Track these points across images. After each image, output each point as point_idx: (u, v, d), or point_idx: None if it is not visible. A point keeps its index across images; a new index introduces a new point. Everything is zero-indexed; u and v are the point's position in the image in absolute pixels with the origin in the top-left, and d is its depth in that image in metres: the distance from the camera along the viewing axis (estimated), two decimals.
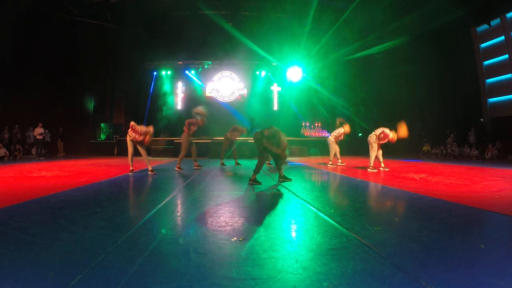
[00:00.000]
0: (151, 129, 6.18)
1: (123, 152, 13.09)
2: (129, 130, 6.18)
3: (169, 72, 16.95)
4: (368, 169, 6.63)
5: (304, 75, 17.50)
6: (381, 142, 6.81)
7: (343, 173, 6.25)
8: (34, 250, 1.78)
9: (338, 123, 8.21)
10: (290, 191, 4.00)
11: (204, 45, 15.73)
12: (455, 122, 13.90)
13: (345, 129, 7.96)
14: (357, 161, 9.58)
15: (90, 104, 14.96)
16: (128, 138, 6.20)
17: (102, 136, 15.11)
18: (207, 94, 17.43)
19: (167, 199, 3.43)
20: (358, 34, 15.15)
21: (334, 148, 8.02)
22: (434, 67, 14.08)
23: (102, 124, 15.20)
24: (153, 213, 2.71)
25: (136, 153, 6.34)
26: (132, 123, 6.15)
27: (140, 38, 14.89)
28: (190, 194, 3.85)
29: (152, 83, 16.90)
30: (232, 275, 1.47)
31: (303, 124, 16.29)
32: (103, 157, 11.71)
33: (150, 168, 6.25)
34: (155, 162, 9.46)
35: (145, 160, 6.31)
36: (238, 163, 8.20)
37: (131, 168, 6.26)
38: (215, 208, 2.94)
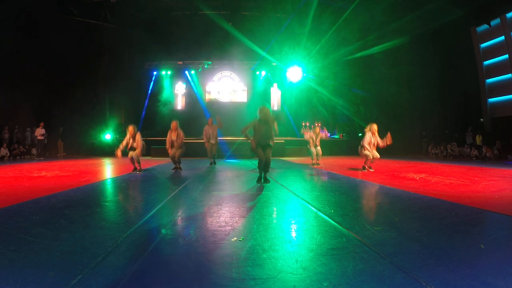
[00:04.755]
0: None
1: (123, 153, 13.09)
2: (131, 137, 6.25)
3: (169, 72, 16.95)
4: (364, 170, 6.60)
5: (304, 75, 17.51)
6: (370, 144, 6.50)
7: (343, 174, 6.25)
8: (34, 250, 1.77)
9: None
10: (290, 191, 4.01)
11: (204, 45, 15.72)
12: (455, 122, 13.91)
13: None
14: (356, 161, 9.58)
15: (90, 104, 14.94)
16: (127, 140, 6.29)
17: (102, 136, 15.09)
18: (207, 94, 17.44)
19: (167, 199, 3.43)
20: (358, 34, 15.14)
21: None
22: (434, 67, 14.09)
23: (102, 124, 15.18)
24: (153, 213, 2.71)
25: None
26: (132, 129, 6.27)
27: (140, 38, 14.88)
28: (190, 194, 3.85)
29: (152, 83, 16.91)
30: (232, 275, 1.47)
31: (303, 124, 16.29)
32: (103, 157, 11.71)
33: (138, 168, 6.36)
34: (155, 162, 9.46)
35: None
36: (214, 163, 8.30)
37: (134, 167, 6.36)
38: (215, 208, 2.94)
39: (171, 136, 6.70)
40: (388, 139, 6.41)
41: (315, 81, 17.19)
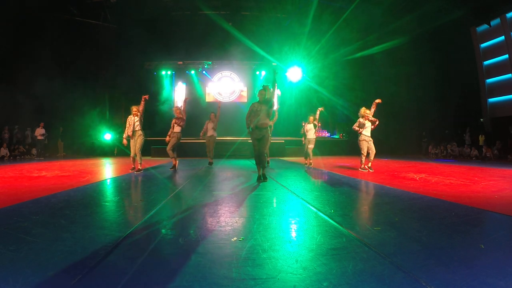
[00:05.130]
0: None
1: (123, 152, 13.08)
2: (133, 117, 6.32)
3: (169, 72, 16.95)
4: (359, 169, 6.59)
5: (304, 75, 17.48)
6: (362, 129, 6.47)
7: (343, 173, 6.25)
8: (34, 250, 1.78)
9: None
10: (290, 191, 4.00)
11: (204, 45, 15.73)
12: (455, 122, 13.90)
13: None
14: (356, 161, 9.61)
15: (90, 104, 14.95)
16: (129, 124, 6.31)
17: (102, 136, 15.09)
18: (207, 94, 17.43)
19: (167, 199, 3.43)
20: (358, 34, 15.15)
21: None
22: (434, 67, 14.09)
23: (102, 124, 15.17)
24: (153, 213, 2.71)
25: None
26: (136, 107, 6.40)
27: (140, 38, 14.87)
28: (190, 194, 3.85)
29: (152, 83, 16.91)
30: (232, 275, 1.47)
31: (303, 124, 16.31)
32: (103, 157, 11.71)
33: (139, 167, 6.34)
34: (156, 162, 9.47)
35: (138, 158, 6.34)
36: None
37: (133, 166, 6.40)
38: (215, 208, 2.94)
39: (174, 122, 6.96)
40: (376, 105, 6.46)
41: (315, 81, 17.18)
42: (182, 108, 7.17)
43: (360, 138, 6.50)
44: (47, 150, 12.51)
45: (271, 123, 5.00)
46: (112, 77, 15.50)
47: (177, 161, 6.95)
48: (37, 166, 7.47)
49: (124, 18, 14.26)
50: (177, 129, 6.87)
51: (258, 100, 4.97)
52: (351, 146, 14.41)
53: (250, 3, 14.87)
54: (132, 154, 6.34)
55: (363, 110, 6.49)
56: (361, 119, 6.49)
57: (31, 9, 12.05)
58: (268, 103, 4.86)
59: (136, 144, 6.28)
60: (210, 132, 8.13)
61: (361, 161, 6.55)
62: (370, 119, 6.44)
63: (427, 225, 2.35)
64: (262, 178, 4.84)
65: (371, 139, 6.45)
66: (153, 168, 7.49)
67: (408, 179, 5.07)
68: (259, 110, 4.82)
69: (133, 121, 6.29)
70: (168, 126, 7.21)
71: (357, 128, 6.53)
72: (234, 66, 17.09)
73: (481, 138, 12.09)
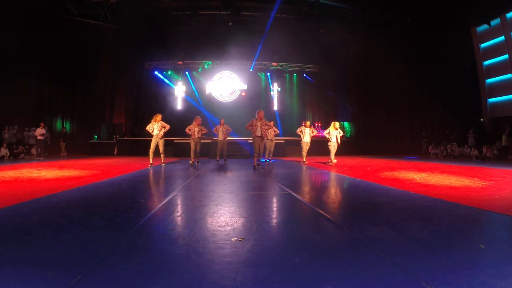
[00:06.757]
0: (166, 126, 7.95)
1: (123, 152, 13.06)
2: (156, 123, 7.65)
3: (169, 72, 16.94)
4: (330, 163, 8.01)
5: (304, 75, 17.49)
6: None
7: (342, 173, 6.25)
8: (34, 250, 1.78)
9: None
10: (290, 191, 4.00)
11: (204, 45, 15.71)
12: (455, 122, 13.89)
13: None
14: (356, 161, 9.61)
15: (90, 104, 14.93)
16: (155, 130, 7.64)
17: (103, 136, 15.08)
18: (207, 94, 17.41)
19: (167, 199, 3.43)
20: (358, 33, 15.15)
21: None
22: (434, 67, 14.08)
23: (102, 124, 15.16)
24: (153, 213, 2.71)
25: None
26: (160, 116, 7.93)
27: (140, 38, 14.87)
28: (190, 194, 3.85)
29: (152, 83, 16.89)
30: (232, 275, 1.47)
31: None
32: (103, 157, 11.70)
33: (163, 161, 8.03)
34: (156, 161, 9.45)
35: (163, 155, 7.96)
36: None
37: (151, 162, 7.50)
38: (215, 208, 2.94)
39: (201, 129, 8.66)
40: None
41: (314, 80, 17.18)
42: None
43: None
44: (47, 150, 12.50)
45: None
46: (112, 77, 15.48)
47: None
48: (37, 166, 7.46)
49: (124, 18, 14.25)
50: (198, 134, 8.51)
51: (256, 117, 7.01)
52: (352, 146, 14.43)
53: (250, 3, 14.86)
54: (151, 151, 7.60)
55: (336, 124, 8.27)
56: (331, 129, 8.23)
57: (30, 9, 12.04)
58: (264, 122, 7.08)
59: (159, 145, 7.76)
60: (220, 137, 9.21)
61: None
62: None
63: (427, 225, 2.35)
64: (259, 166, 6.73)
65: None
66: (153, 167, 7.49)
67: (408, 179, 5.07)
68: (257, 125, 6.95)
69: (153, 126, 7.69)
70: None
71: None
72: (234, 66, 17.08)
73: (504, 138, 11.56)
